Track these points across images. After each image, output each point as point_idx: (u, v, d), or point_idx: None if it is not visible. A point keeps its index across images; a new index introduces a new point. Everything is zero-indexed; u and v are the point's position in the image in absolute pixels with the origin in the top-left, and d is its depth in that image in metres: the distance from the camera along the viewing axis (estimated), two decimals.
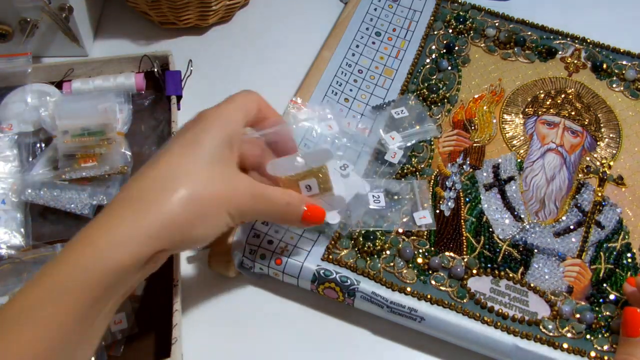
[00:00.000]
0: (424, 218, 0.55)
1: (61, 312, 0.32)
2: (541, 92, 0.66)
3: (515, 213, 0.57)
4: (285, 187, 0.45)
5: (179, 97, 0.63)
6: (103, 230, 0.34)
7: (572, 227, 0.56)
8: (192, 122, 0.41)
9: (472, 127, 0.63)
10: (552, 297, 0.52)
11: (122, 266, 0.34)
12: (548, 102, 0.65)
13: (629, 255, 0.55)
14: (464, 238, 0.55)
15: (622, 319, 0.46)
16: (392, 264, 0.52)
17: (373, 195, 0.55)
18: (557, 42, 0.70)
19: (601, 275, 0.53)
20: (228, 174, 0.40)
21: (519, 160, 0.60)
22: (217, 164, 0.39)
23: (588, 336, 0.50)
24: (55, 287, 0.32)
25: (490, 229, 0.56)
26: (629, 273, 0.54)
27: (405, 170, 0.58)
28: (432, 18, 0.71)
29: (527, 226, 0.56)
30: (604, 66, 0.67)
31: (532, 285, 0.52)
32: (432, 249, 0.54)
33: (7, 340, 0.31)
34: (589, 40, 0.70)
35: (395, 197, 0.56)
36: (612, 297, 0.52)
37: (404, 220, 0.55)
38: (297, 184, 0.45)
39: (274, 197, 0.42)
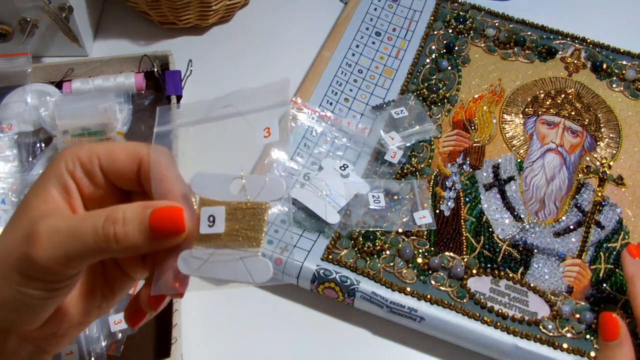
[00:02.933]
0: (424, 218, 0.55)
1: None
2: (541, 92, 0.66)
3: (515, 213, 0.57)
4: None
5: (179, 97, 0.63)
6: None
7: (572, 227, 0.56)
8: None
9: (472, 127, 0.63)
10: (552, 297, 0.52)
11: None
12: (548, 102, 0.65)
13: None
14: (463, 238, 0.55)
15: (599, 325, 0.46)
16: (392, 264, 0.52)
17: (373, 196, 0.55)
18: (557, 42, 0.70)
19: (601, 275, 0.53)
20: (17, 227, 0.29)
21: (518, 160, 0.60)
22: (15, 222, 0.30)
23: (588, 336, 0.50)
24: None
25: (490, 229, 0.56)
26: None
27: (405, 170, 0.58)
28: (432, 18, 0.71)
29: (527, 226, 0.56)
30: (604, 66, 0.67)
31: (532, 285, 0.52)
32: (432, 249, 0.54)
33: None
34: (589, 40, 0.70)
35: (395, 197, 0.56)
36: (611, 297, 0.52)
37: (404, 220, 0.55)
38: (199, 211, 0.30)
39: (81, 217, 0.29)
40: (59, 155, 0.31)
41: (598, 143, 0.62)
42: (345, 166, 0.57)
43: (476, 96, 0.65)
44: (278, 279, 0.50)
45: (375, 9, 0.72)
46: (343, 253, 0.52)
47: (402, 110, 0.61)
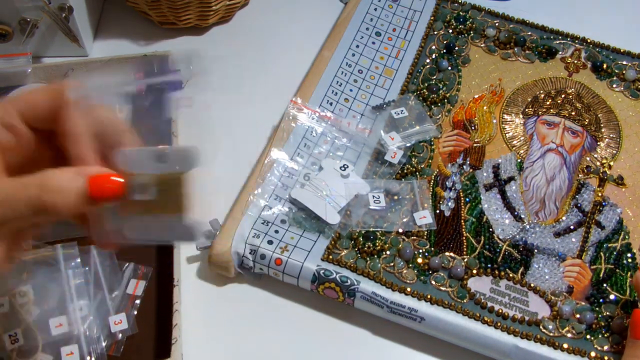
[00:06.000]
0: (424, 218, 0.55)
1: None
2: (541, 92, 0.66)
3: (516, 213, 0.57)
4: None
5: None
6: None
7: (572, 227, 0.56)
8: None
9: (472, 127, 0.63)
10: (552, 297, 0.52)
11: None
12: (548, 102, 0.65)
13: (629, 255, 0.55)
14: (464, 238, 0.55)
15: (630, 321, 0.45)
16: (392, 264, 0.52)
17: (373, 196, 0.55)
18: (557, 42, 0.70)
19: (601, 275, 0.53)
20: None
21: (519, 160, 0.60)
22: None
23: (588, 336, 0.50)
24: None
25: (491, 229, 0.56)
26: (629, 273, 0.54)
27: (405, 171, 0.58)
28: (432, 18, 0.71)
29: (527, 226, 0.56)
30: (604, 66, 0.67)
31: (532, 285, 0.52)
32: (432, 249, 0.54)
33: None
34: (589, 40, 0.70)
35: (395, 197, 0.56)
36: (612, 297, 0.52)
37: (404, 220, 0.55)
38: (127, 179, 0.32)
39: (14, 187, 0.30)
40: None
41: (598, 143, 0.62)
42: (345, 166, 0.57)
43: (476, 96, 0.65)
44: (207, 239, 0.51)
45: (375, 9, 0.72)
46: (343, 253, 0.52)
47: (402, 111, 0.61)
